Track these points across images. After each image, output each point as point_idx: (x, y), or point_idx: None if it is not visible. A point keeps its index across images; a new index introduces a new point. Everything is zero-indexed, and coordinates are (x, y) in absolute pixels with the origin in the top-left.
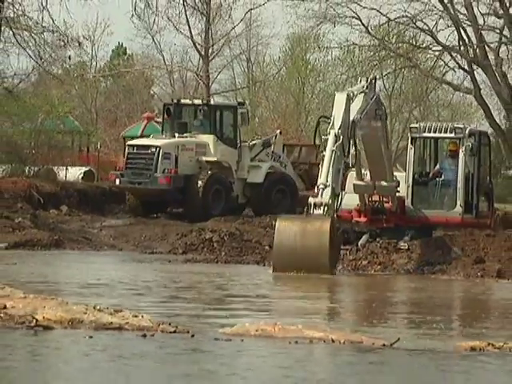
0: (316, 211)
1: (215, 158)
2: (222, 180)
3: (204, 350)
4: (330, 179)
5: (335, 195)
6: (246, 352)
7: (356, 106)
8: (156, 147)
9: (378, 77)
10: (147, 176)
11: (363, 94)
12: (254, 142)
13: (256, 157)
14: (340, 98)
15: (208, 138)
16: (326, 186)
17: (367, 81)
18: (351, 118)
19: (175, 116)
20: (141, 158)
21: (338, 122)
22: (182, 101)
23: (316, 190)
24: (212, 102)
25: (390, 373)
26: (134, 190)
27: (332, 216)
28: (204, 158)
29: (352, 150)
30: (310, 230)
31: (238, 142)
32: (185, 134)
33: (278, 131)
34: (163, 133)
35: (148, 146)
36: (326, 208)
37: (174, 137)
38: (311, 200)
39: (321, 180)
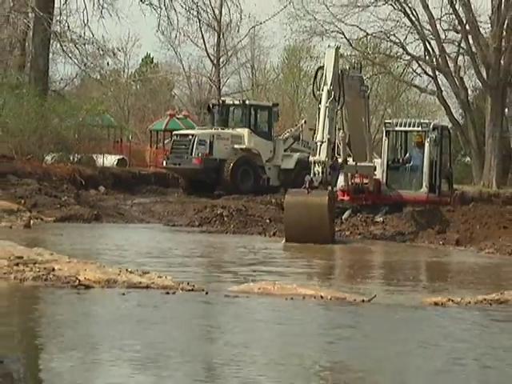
0: (316, 168)
1: (245, 146)
2: (249, 162)
3: (211, 304)
4: (325, 134)
5: (331, 144)
6: (238, 303)
7: None
8: (193, 135)
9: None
10: (185, 158)
11: (351, 72)
12: (286, 135)
13: (289, 148)
14: (330, 53)
15: (243, 131)
16: (322, 142)
17: (353, 61)
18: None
19: (221, 113)
20: (182, 143)
21: (329, 77)
22: (226, 101)
23: (315, 145)
24: (247, 102)
25: (358, 319)
26: (175, 170)
27: (329, 190)
28: (236, 146)
29: (341, 133)
30: (312, 204)
31: (272, 135)
32: (226, 128)
33: (303, 121)
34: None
35: (187, 135)
36: (323, 165)
37: (212, 129)
38: (311, 158)
39: (318, 137)
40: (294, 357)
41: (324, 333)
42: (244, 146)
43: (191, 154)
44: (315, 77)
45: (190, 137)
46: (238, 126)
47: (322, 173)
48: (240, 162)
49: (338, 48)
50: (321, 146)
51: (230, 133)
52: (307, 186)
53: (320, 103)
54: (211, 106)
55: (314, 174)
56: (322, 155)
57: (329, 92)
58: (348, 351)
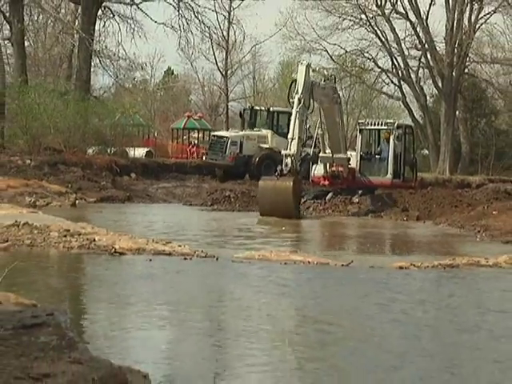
0: (286, 160)
1: (268, 145)
2: (271, 157)
3: (220, 267)
4: (295, 133)
5: (301, 142)
6: (242, 267)
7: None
8: (227, 137)
9: (338, 88)
10: (220, 155)
11: (324, 83)
12: None
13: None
14: (301, 68)
15: (267, 132)
16: (293, 139)
17: (329, 74)
18: (311, 81)
19: (250, 117)
20: (218, 143)
21: (300, 88)
22: (254, 107)
23: (287, 141)
24: (272, 109)
25: (332, 278)
26: (212, 164)
27: (295, 175)
28: (261, 145)
29: (319, 131)
30: (280, 188)
31: None
32: (254, 129)
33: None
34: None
35: (222, 136)
36: (293, 157)
37: (242, 131)
38: (283, 152)
39: (289, 135)
40: (273, 304)
41: (302, 285)
42: (267, 146)
43: (225, 153)
44: (290, 87)
45: (225, 138)
46: (264, 128)
47: (292, 164)
48: (264, 158)
49: (308, 64)
50: (291, 142)
51: (256, 134)
52: (277, 173)
53: (293, 108)
54: (243, 111)
55: (286, 165)
56: (292, 149)
57: (299, 100)
58: (312, 299)
